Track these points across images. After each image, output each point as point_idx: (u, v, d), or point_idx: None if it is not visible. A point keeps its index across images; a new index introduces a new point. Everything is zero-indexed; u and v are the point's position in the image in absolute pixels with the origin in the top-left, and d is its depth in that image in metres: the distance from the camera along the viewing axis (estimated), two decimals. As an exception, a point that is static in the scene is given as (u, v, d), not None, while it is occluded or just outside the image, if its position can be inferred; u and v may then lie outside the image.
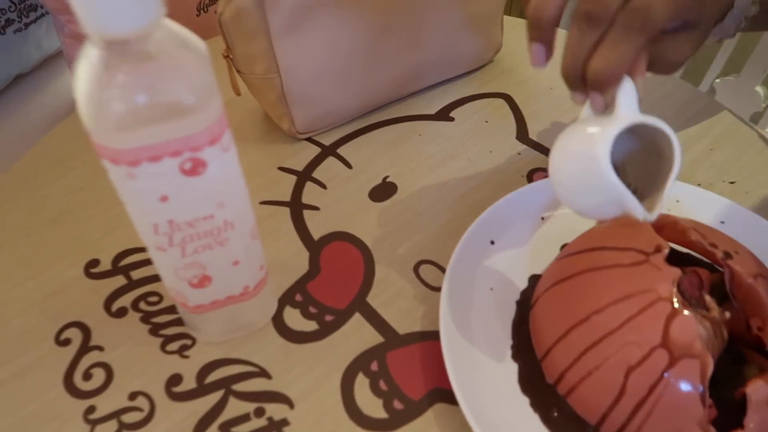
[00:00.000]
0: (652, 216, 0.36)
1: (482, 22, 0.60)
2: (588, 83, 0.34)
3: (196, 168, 0.31)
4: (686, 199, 0.49)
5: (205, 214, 0.34)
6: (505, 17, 0.65)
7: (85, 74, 0.28)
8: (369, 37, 0.53)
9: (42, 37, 0.93)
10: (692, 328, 0.34)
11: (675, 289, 0.36)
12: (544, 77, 0.63)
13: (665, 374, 0.35)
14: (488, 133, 0.58)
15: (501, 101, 0.61)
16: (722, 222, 0.48)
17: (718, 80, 0.85)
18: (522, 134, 0.58)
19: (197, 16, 0.84)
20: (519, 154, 0.56)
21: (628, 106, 0.33)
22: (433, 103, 0.61)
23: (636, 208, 0.36)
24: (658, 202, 0.36)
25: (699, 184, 0.52)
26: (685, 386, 0.34)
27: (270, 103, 0.55)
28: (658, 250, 0.38)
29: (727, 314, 0.38)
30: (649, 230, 0.39)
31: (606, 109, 0.35)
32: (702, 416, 0.34)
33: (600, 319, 0.37)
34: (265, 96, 0.54)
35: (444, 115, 0.60)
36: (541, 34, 0.36)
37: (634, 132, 0.35)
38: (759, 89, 0.81)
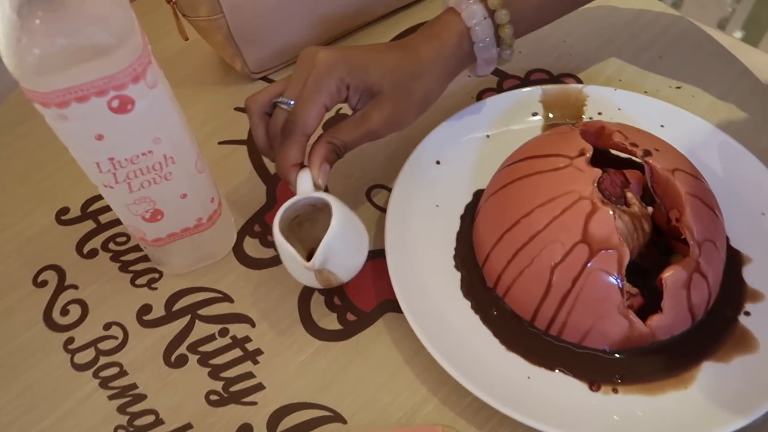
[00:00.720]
0: (311, 265, 0.37)
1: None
2: (281, 176, 0.41)
3: (124, 106, 0.33)
4: (629, 107, 0.50)
5: (143, 150, 0.36)
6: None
7: (2, 23, 0.29)
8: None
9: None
10: (609, 222, 0.37)
11: (595, 189, 0.38)
12: None
13: (586, 267, 0.37)
14: (440, 58, 0.59)
15: (453, 25, 0.62)
16: (662, 126, 0.49)
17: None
18: (473, 57, 0.59)
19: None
20: (470, 77, 0.57)
21: (302, 188, 0.40)
22: (384, 33, 0.61)
23: (296, 257, 0.38)
24: (318, 254, 0.37)
25: (645, 92, 0.53)
26: (603, 276, 0.37)
27: (220, 45, 0.56)
28: (581, 153, 0.40)
29: (650, 209, 0.40)
30: (576, 136, 0.41)
31: (311, 189, 0.40)
32: (621, 302, 0.37)
33: (528, 221, 0.39)
34: (213, 38, 0.55)
35: (396, 43, 0.61)
36: (252, 120, 0.43)
37: (316, 203, 0.41)
38: (724, -6, 0.80)
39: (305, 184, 0.40)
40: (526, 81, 0.56)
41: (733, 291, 0.41)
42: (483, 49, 0.44)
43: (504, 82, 0.56)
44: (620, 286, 0.37)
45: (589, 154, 0.39)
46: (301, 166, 0.41)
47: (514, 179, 0.42)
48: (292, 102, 0.40)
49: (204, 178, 0.41)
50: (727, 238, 0.43)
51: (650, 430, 0.36)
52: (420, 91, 0.43)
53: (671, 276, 0.37)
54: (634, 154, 0.39)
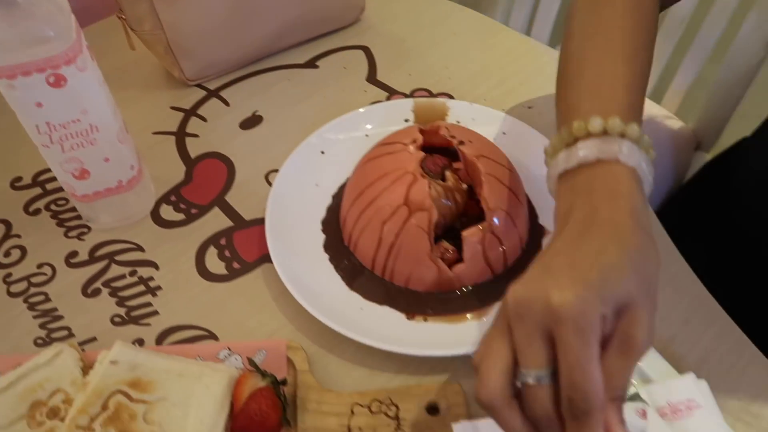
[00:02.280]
0: None
1: (339, -14, 0.73)
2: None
3: (58, 81, 0.45)
4: (480, 118, 0.62)
5: (73, 119, 0.48)
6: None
7: (-30, 13, 0.42)
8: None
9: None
10: (424, 190, 0.49)
11: (418, 166, 0.50)
12: (398, 31, 0.77)
13: (405, 223, 0.49)
14: (345, 76, 0.72)
15: (360, 52, 0.75)
16: (504, 133, 0.61)
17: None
18: (371, 76, 0.72)
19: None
20: (366, 91, 0.70)
21: None
22: (303, 55, 0.74)
23: None
24: None
25: (502, 109, 0.66)
26: (417, 230, 0.48)
27: (161, 55, 0.68)
28: (413, 141, 0.52)
29: (464, 186, 0.52)
30: (414, 130, 0.53)
31: None
32: (430, 251, 0.48)
33: (369, 190, 0.51)
34: (155, 49, 0.68)
35: (311, 63, 0.74)
36: (500, 416, 0.33)
37: None
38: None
39: None
40: (410, 97, 0.69)
41: (533, 255, 0.53)
42: (650, 182, 0.38)
43: (392, 96, 0.69)
44: (430, 237, 0.48)
45: (419, 142, 0.52)
46: None
47: (368, 160, 0.54)
48: (545, 373, 0.31)
49: (125, 148, 0.53)
50: (537, 216, 0.55)
51: (445, 343, 0.47)
52: (656, 263, 0.34)
53: (469, 234, 0.49)
54: (452, 144, 0.52)
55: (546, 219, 0.55)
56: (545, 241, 0.54)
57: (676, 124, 0.88)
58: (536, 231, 0.54)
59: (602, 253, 0.32)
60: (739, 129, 0.78)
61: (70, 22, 0.45)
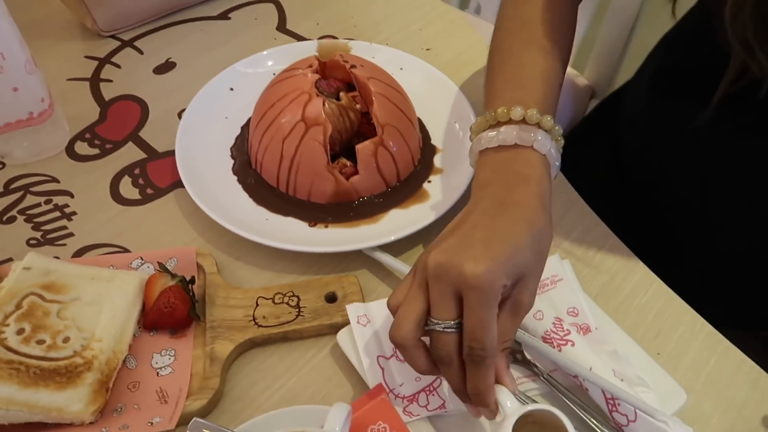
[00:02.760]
0: None
1: (247, -59, 0.77)
2: (475, 403, 0.39)
3: (-38, 6, 0.48)
4: (379, 56, 0.67)
5: (-21, 45, 0.50)
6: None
7: None
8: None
9: None
10: (318, 107, 0.53)
11: (314, 87, 0.54)
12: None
13: (303, 137, 0.53)
14: (255, 26, 0.76)
15: (270, 5, 0.79)
16: (401, 69, 0.66)
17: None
18: (281, 26, 0.76)
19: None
20: (275, 39, 0.74)
21: (510, 405, 0.38)
22: (216, 8, 0.77)
23: None
24: None
25: (403, 51, 0.71)
26: (314, 144, 0.53)
27: (73, 6, 0.70)
28: (310, 66, 0.56)
29: (358, 106, 0.56)
30: (312, 59, 0.58)
31: (516, 402, 0.38)
32: (327, 162, 0.53)
33: (271, 111, 0.55)
34: (69, 1, 0.70)
35: (223, 16, 0.77)
36: (409, 354, 0.39)
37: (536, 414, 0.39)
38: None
39: (509, 400, 0.38)
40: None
41: (425, 170, 0.58)
42: (557, 167, 0.45)
43: (300, 42, 0.73)
44: (326, 149, 0.53)
45: (315, 66, 0.56)
46: None
47: (270, 86, 0.58)
48: (452, 323, 0.37)
49: (34, 79, 0.55)
50: (430, 137, 0.61)
51: (343, 242, 0.52)
52: (549, 243, 0.41)
53: (362, 147, 0.54)
54: (345, 68, 0.56)
55: (437, 139, 0.61)
56: (437, 158, 0.59)
57: (572, 74, 0.96)
58: (429, 149, 0.60)
59: (512, 233, 0.38)
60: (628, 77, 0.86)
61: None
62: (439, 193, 0.56)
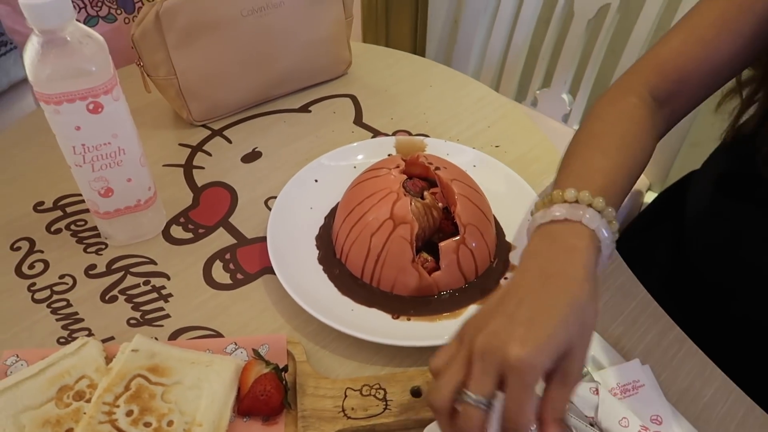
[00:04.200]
0: None
1: (330, 43, 0.83)
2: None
3: (96, 108, 0.53)
4: (453, 152, 0.72)
5: (104, 142, 0.56)
6: (358, 43, 0.89)
7: (29, 51, 0.50)
8: (240, 50, 0.76)
9: (10, 66, 1.17)
10: (406, 206, 0.57)
11: (401, 187, 0.58)
12: (380, 83, 0.87)
13: (391, 234, 0.56)
14: (334, 119, 0.81)
15: (347, 99, 0.85)
16: (474, 166, 0.70)
17: (538, 91, 1.11)
18: (358, 119, 0.81)
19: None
20: (353, 132, 0.79)
21: None
22: (297, 101, 0.84)
23: None
24: None
25: (474, 147, 0.75)
26: (401, 240, 0.56)
27: (172, 99, 0.77)
28: (397, 166, 0.60)
29: (441, 204, 0.60)
30: (397, 158, 0.62)
31: None
32: (412, 259, 0.56)
33: (358, 208, 0.59)
34: (167, 93, 0.76)
35: (304, 109, 0.83)
36: (441, 419, 0.41)
37: None
38: (564, 96, 1.06)
39: None
40: (392, 135, 0.78)
41: (501, 266, 0.61)
42: (608, 246, 0.46)
43: (376, 136, 0.78)
44: (412, 245, 0.56)
45: (401, 167, 0.60)
46: None
47: (357, 183, 0.62)
48: (484, 401, 0.39)
49: (145, 171, 0.61)
50: (504, 234, 0.63)
51: (425, 337, 0.54)
52: (595, 315, 0.42)
53: (444, 245, 0.57)
54: (430, 170, 0.60)
55: (512, 237, 0.64)
56: (512, 255, 0.62)
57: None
58: (503, 246, 0.63)
59: (555, 308, 0.40)
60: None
61: (109, 60, 0.53)
62: (515, 290, 0.59)
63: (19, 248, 0.64)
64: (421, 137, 0.74)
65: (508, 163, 0.71)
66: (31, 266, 0.62)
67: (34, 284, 0.60)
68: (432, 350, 0.54)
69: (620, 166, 0.53)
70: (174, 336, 0.56)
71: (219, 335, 0.56)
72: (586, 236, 0.45)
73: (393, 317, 0.57)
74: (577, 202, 0.47)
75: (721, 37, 0.55)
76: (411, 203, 0.57)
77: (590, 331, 0.42)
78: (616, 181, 0.52)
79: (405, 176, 0.59)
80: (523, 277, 0.44)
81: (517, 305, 0.41)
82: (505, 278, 0.60)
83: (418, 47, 1.14)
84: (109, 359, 0.51)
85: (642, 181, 1.00)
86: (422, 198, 0.59)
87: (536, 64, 1.09)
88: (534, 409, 0.39)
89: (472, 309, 0.57)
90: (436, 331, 0.55)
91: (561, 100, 1.06)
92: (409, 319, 0.56)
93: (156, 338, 0.56)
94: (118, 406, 0.47)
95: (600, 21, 1.01)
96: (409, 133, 0.79)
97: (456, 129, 0.80)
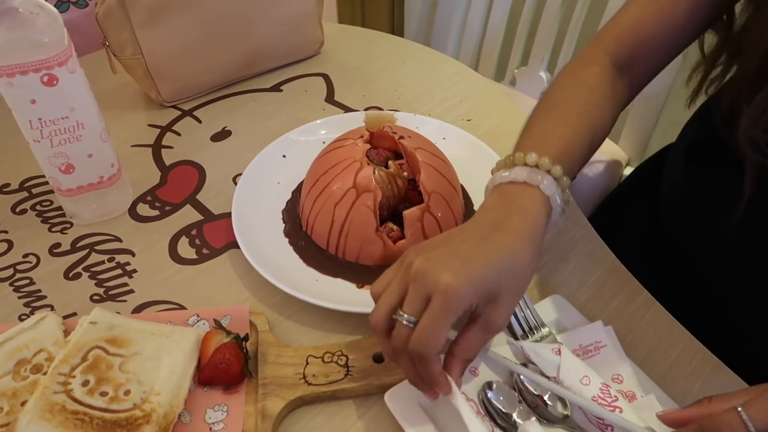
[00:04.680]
0: None
1: (300, 21, 0.83)
2: (426, 386, 0.45)
3: (51, 81, 0.53)
4: (423, 126, 0.71)
5: (62, 116, 0.55)
6: (333, 23, 0.89)
7: (-21, 21, 0.49)
8: (208, 28, 0.76)
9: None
10: (369, 175, 0.56)
11: (365, 156, 0.58)
12: (354, 62, 0.86)
13: (354, 203, 0.56)
14: (306, 98, 0.81)
15: (319, 78, 0.84)
16: (444, 138, 0.70)
17: (516, 70, 1.10)
18: (330, 98, 0.81)
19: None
20: (324, 109, 0.79)
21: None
22: (268, 81, 0.83)
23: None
24: None
25: (445, 120, 0.75)
26: (364, 209, 0.56)
27: (140, 78, 0.76)
28: (361, 137, 0.60)
29: (405, 173, 0.59)
30: (362, 129, 0.61)
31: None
32: (376, 227, 0.56)
33: (322, 179, 0.58)
34: (135, 73, 0.76)
35: (275, 88, 0.82)
36: (379, 337, 0.44)
37: None
38: (542, 74, 1.06)
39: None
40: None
41: (468, 235, 0.60)
42: (559, 213, 0.48)
43: (347, 113, 0.77)
44: (375, 214, 0.55)
45: (366, 137, 0.60)
46: None
47: (322, 155, 0.61)
48: (414, 319, 0.41)
49: (107, 146, 0.60)
50: (472, 203, 0.63)
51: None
52: (531, 273, 0.45)
53: (409, 213, 0.56)
54: (393, 138, 0.60)
55: (478, 206, 0.63)
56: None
57: (607, 142, 0.99)
58: (471, 215, 0.62)
59: (493, 256, 0.43)
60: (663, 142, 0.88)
61: (63, 32, 0.53)
62: (482, 257, 0.58)
63: (-17, 229, 0.63)
64: (392, 112, 0.74)
65: (480, 136, 0.71)
66: (-5, 246, 0.62)
67: (-3, 264, 0.60)
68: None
69: (579, 135, 0.53)
70: (137, 310, 0.56)
71: (183, 308, 0.56)
72: (540, 201, 0.47)
73: (358, 286, 0.56)
74: (537, 167, 0.48)
75: (677, 2, 0.55)
76: (375, 172, 0.57)
77: (521, 287, 0.45)
78: (574, 150, 0.53)
79: (369, 146, 0.59)
80: (475, 224, 0.46)
81: (460, 243, 0.44)
82: (472, 246, 0.59)
83: (396, 30, 1.13)
84: (68, 333, 0.51)
85: (620, 154, 0.99)
86: (386, 167, 0.59)
87: (513, 42, 1.08)
88: (446, 336, 0.41)
89: (437, 277, 0.57)
90: (401, 299, 0.55)
91: (539, 77, 1.06)
92: (373, 288, 0.56)
93: (119, 313, 0.55)
94: (74, 377, 0.46)
95: (575, -2, 1.01)
96: (380, 109, 0.78)
97: (428, 104, 0.79)
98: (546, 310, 0.53)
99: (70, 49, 0.54)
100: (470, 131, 0.72)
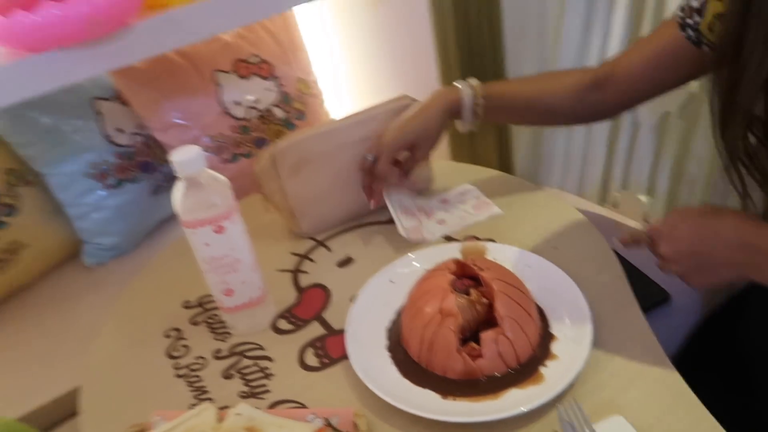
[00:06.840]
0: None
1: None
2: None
3: (220, 230, 0.73)
4: (512, 256, 0.82)
5: (225, 254, 0.75)
6: (445, 161, 1.05)
7: (176, 192, 0.71)
8: (339, 176, 0.95)
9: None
10: (452, 302, 0.69)
11: (449, 286, 0.70)
12: (460, 195, 1.01)
13: (439, 326, 0.68)
14: (416, 228, 0.96)
15: (429, 210, 0.99)
16: (528, 266, 0.80)
17: (617, 194, 1.17)
18: (436, 228, 0.95)
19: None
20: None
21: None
22: (386, 213, 1.00)
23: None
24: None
25: (533, 249, 0.85)
26: (447, 331, 0.68)
27: (286, 217, 0.97)
28: (448, 269, 0.73)
29: (485, 300, 0.71)
30: (451, 263, 0.74)
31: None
32: (457, 347, 0.67)
33: (417, 303, 0.72)
34: (282, 213, 0.97)
35: (391, 221, 0.99)
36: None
37: None
38: (641, 197, 1.12)
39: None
40: (461, 242, 0.90)
41: (542, 354, 0.69)
42: (466, 110, 0.88)
43: (449, 241, 0.91)
44: (456, 335, 0.67)
45: (452, 269, 0.72)
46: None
47: (417, 284, 0.75)
48: (372, 157, 0.90)
49: (256, 275, 0.79)
50: (549, 326, 0.72)
51: (469, 414, 0.63)
52: (436, 131, 0.91)
53: (485, 335, 0.67)
54: (475, 270, 0.72)
55: (556, 329, 0.72)
56: (553, 345, 0.70)
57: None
58: (547, 337, 0.71)
59: (414, 119, 0.89)
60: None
61: (230, 194, 0.74)
62: (553, 376, 0.66)
63: (169, 336, 0.84)
64: (485, 243, 0.86)
65: (564, 265, 0.80)
66: (177, 350, 0.82)
67: (178, 364, 0.80)
68: (473, 426, 0.64)
69: (519, 89, 0.91)
70: (272, 407, 0.71)
71: (304, 407, 0.70)
72: (454, 93, 0.89)
73: (442, 397, 0.67)
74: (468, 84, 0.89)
75: (660, 55, 0.77)
76: (457, 299, 0.69)
77: (432, 138, 0.90)
78: (507, 89, 0.91)
79: (454, 276, 0.72)
80: (418, 103, 0.91)
81: (405, 115, 0.91)
82: (545, 366, 0.68)
83: (502, 164, 1.26)
84: (221, 421, 0.67)
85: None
86: (467, 294, 0.70)
87: (612, 168, 1.17)
88: (387, 167, 0.90)
89: (512, 392, 0.66)
90: (479, 409, 0.65)
91: (637, 200, 1.12)
92: (455, 399, 0.66)
93: (258, 408, 0.71)
94: (222, 455, 0.62)
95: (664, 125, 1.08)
96: (477, 238, 0.91)
97: (520, 233, 0.90)
98: (605, 430, 0.60)
99: (235, 206, 0.74)
100: (557, 260, 0.81)
